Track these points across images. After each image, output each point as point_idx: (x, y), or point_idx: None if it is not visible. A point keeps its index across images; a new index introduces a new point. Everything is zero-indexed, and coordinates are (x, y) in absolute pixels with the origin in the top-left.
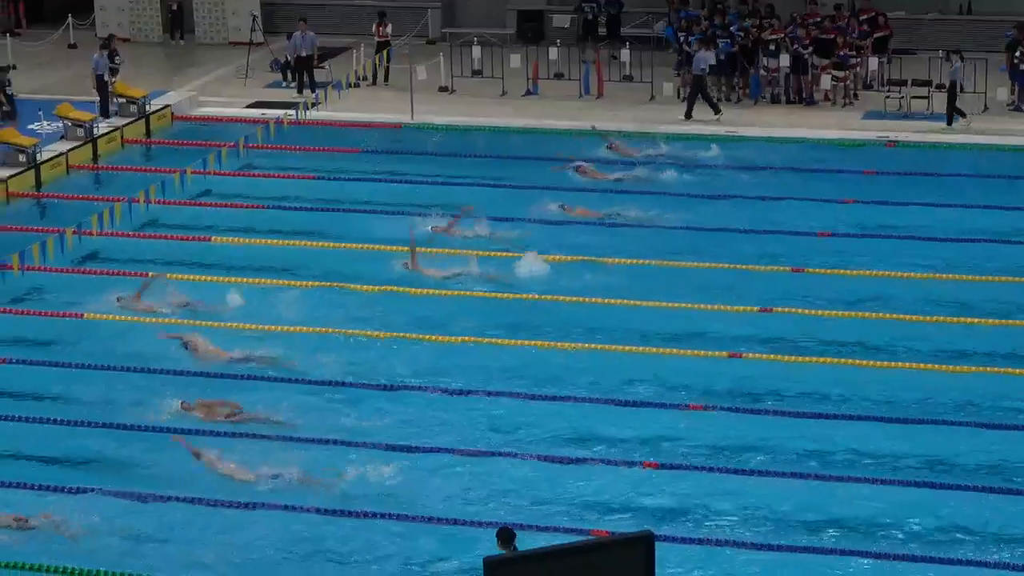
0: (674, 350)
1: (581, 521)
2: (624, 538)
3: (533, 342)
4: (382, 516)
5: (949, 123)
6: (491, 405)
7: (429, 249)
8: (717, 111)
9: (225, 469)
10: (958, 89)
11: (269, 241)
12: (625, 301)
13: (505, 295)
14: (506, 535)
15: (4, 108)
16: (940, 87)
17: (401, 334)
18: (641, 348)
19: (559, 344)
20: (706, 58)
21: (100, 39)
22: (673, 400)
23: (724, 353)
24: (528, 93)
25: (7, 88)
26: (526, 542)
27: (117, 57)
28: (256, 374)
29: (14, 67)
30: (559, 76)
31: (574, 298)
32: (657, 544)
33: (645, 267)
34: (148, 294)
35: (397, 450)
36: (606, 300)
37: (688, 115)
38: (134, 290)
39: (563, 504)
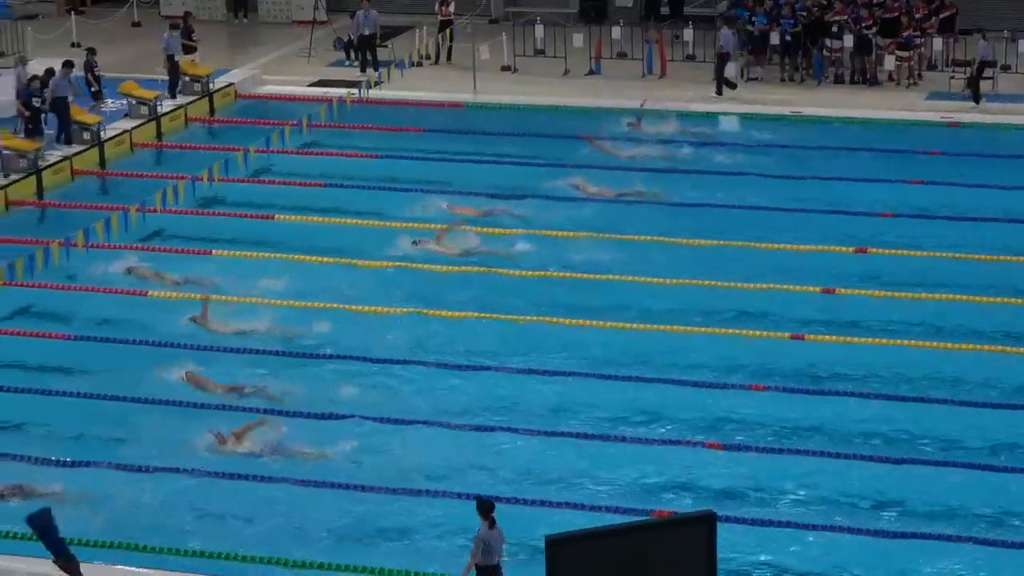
0: (737, 331)
1: (643, 501)
2: (686, 518)
3: (593, 322)
4: (456, 495)
5: (974, 101)
6: (552, 385)
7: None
8: (720, 92)
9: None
10: (985, 69)
11: (331, 220)
12: (687, 281)
13: (561, 274)
14: (485, 506)
15: (93, 88)
16: (987, 65)
17: (461, 313)
18: (704, 328)
19: (620, 324)
20: (728, 35)
21: (168, 18)
22: (736, 381)
23: (787, 334)
24: (590, 72)
25: (95, 69)
26: (589, 521)
27: (195, 35)
28: (313, 352)
29: (78, 45)
30: (622, 56)
31: (635, 277)
32: (719, 524)
33: (707, 247)
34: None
35: (469, 429)
36: (669, 280)
37: (719, 92)
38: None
39: (625, 484)
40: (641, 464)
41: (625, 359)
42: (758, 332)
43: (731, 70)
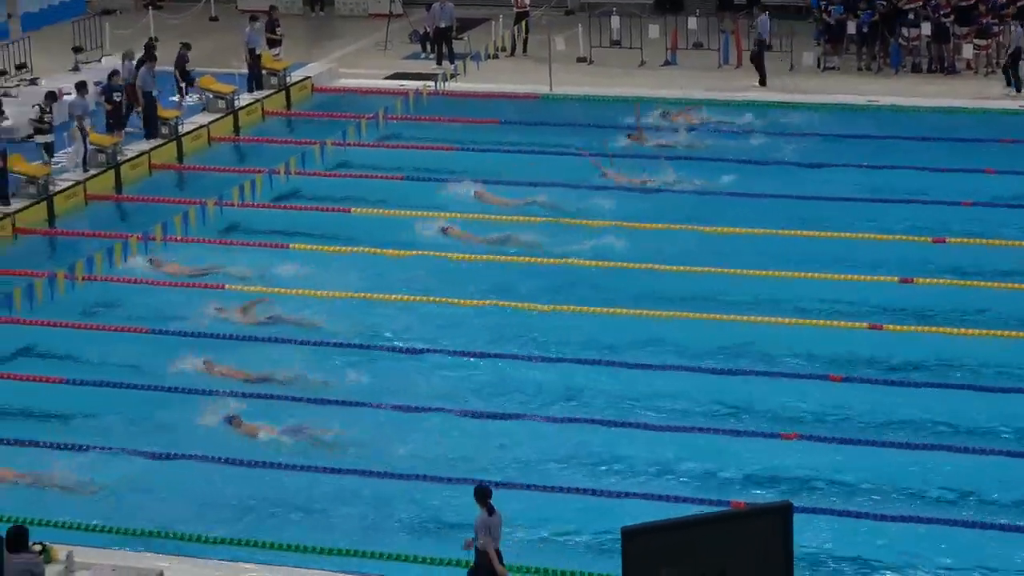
0: (814, 321)
1: (719, 492)
2: (762, 508)
3: (675, 313)
4: (527, 487)
5: (1016, 89)
6: (631, 376)
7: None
8: (764, 82)
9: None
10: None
11: (405, 212)
12: (767, 272)
13: (647, 265)
14: (482, 492)
15: (182, 83)
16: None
17: (527, 304)
18: (782, 319)
19: (700, 315)
20: (765, 22)
21: (245, 12)
22: (813, 371)
23: (864, 324)
24: (666, 63)
25: (186, 64)
26: (665, 513)
27: (279, 28)
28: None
29: (156, 40)
30: (698, 46)
31: (717, 269)
32: (795, 515)
33: (785, 237)
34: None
35: (546, 420)
36: (749, 271)
37: (762, 82)
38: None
39: (701, 475)
40: (719, 455)
41: (706, 350)
42: (836, 322)
43: (808, 59)
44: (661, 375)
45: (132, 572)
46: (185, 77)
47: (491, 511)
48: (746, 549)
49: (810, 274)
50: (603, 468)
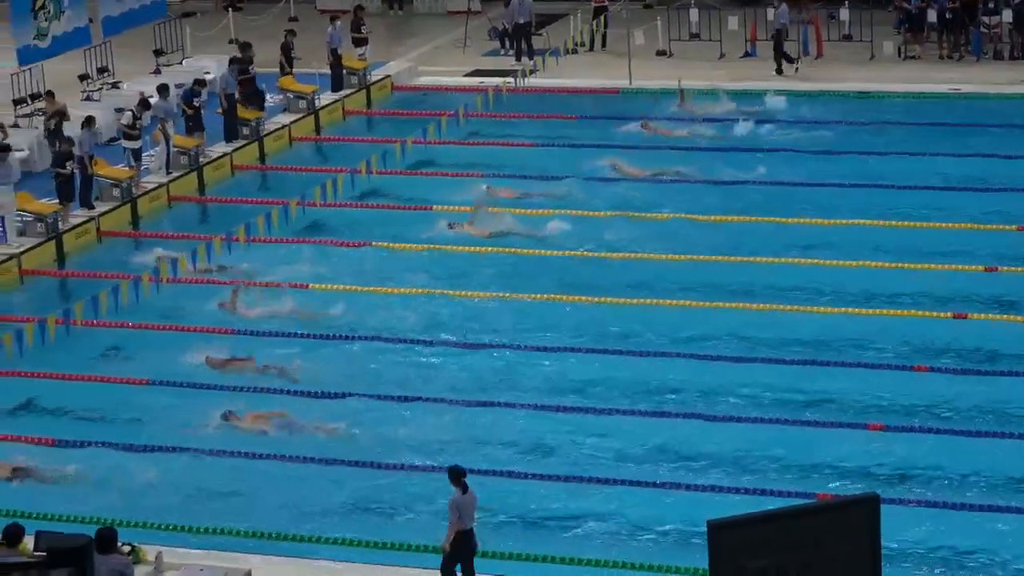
0: (899, 311)
1: (806, 484)
2: (849, 500)
3: (753, 305)
4: (613, 481)
5: None
6: (715, 368)
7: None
8: (780, 71)
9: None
10: None
11: (490, 209)
12: (847, 263)
13: (734, 258)
14: (457, 473)
15: (286, 71)
16: None
17: (623, 299)
18: (866, 310)
19: (783, 307)
20: (784, 12)
21: (325, 12)
22: (898, 361)
23: (949, 314)
24: (746, 55)
25: (291, 52)
26: (751, 506)
27: (364, 27)
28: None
29: (235, 42)
30: None
31: (803, 260)
32: (883, 506)
33: (871, 227)
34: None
35: (636, 414)
36: (836, 262)
37: (778, 70)
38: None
39: (788, 466)
40: (804, 447)
41: (791, 341)
42: (920, 312)
43: (889, 48)
44: (747, 367)
45: (221, 572)
46: (291, 63)
47: (464, 490)
48: (833, 541)
49: (893, 264)
50: (690, 461)
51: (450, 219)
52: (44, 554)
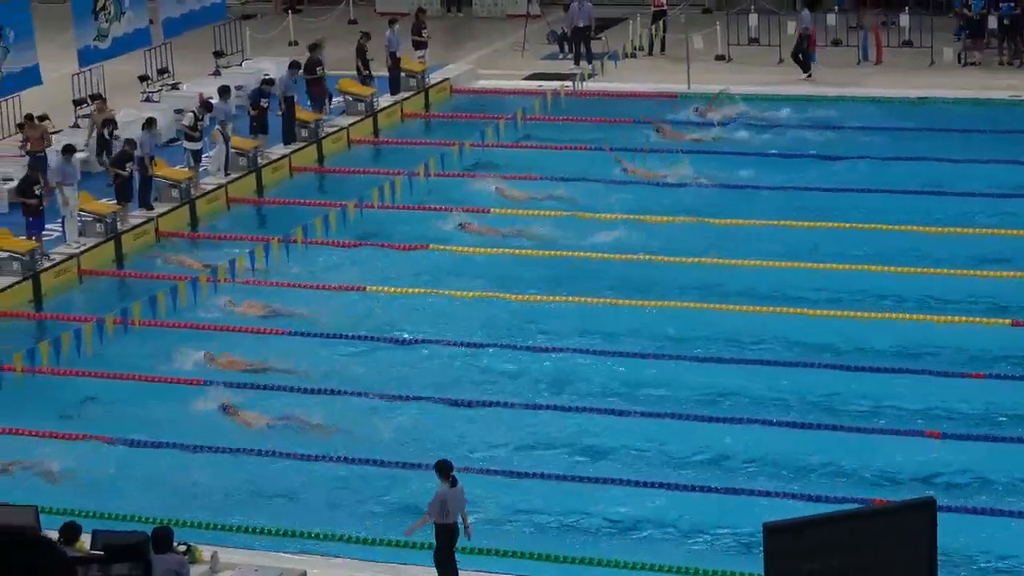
0: (955, 318)
1: (865, 490)
2: (906, 505)
3: (806, 311)
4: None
5: None
6: (769, 374)
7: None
8: (807, 70)
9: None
10: None
11: (547, 212)
12: (904, 269)
13: (794, 264)
14: (444, 467)
15: (364, 73)
16: None
17: (656, 302)
18: (922, 316)
19: (838, 312)
20: (807, 16)
21: (384, 15)
22: (953, 368)
23: (1007, 321)
24: None
25: (365, 53)
26: (808, 512)
27: (425, 31)
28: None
29: (295, 44)
30: (836, 43)
31: (854, 266)
32: (940, 513)
33: (928, 234)
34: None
35: (687, 419)
36: (885, 268)
37: (807, 74)
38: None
39: (846, 473)
40: (860, 453)
41: (843, 346)
42: (978, 319)
43: (949, 55)
44: (806, 372)
45: (276, 572)
46: (366, 64)
47: (453, 484)
48: (889, 545)
49: (950, 271)
50: (746, 466)
51: (464, 219)
52: (102, 553)
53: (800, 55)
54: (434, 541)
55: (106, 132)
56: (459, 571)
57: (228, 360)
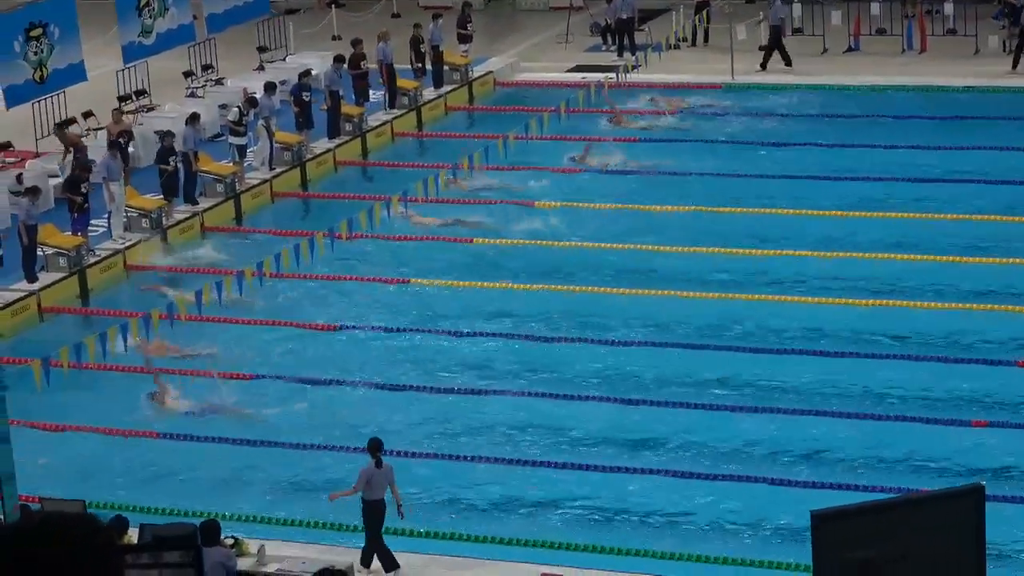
0: (1003, 307)
1: (913, 480)
2: (954, 492)
3: (850, 301)
4: (714, 477)
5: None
6: (819, 365)
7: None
8: (789, 63)
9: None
10: None
11: (592, 205)
12: (956, 258)
13: (850, 254)
14: (373, 445)
15: (417, 65)
16: None
17: (726, 294)
18: (973, 305)
19: (881, 302)
20: (780, 7)
21: (427, 9)
22: (1004, 356)
23: None
24: (849, 50)
25: (420, 45)
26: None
27: (470, 24)
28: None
29: (338, 38)
30: (881, 32)
31: (909, 256)
32: (988, 502)
33: (978, 222)
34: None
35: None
36: (939, 257)
37: (763, 66)
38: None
39: (893, 463)
40: (909, 442)
41: (894, 336)
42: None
43: (993, 43)
44: (854, 362)
45: (322, 565)
46: (420, 57)
47: (379, 463)
48: (937, 532)
49: (1001, 259)
50: (797, 457)
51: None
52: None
53: (774, 49)
54: None
55: (122, 141)
56: (390, 548)
57: (159, 346)
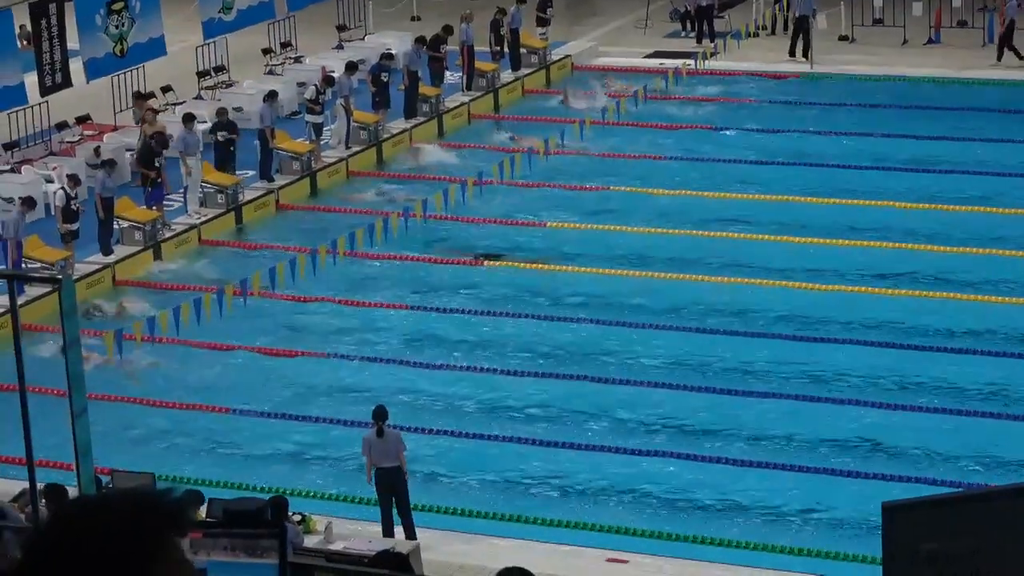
0: None
1: (981, 476)
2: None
3: (912, 292)
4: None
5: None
6: (881, 358)
7: None
8: (793, 54)
9: None
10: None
11: (664, 191)
12: (1006, 252)
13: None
14: (376, 413)
15: (495, 48)
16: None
17: (778, 282)
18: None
19: (940, 294)
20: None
21: None
22: None
23: None
24: (930, 42)
25: (500, 29)
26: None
27: (550, 9)
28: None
29: (418, 18)
30: (962, 24)
31: (947, 248)
32: None
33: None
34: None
35: (812, 400)
36: (985, 250)
37: (791, 52)
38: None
39: (966, 458)
40: (978, 437)
41: (959, 332)
42: None
43: None
44: (931, 356)
45: (390, 543)
46: (500, 41)
47: (380, 432)
48: (1009, 528)
49: None
50: (875, 451)
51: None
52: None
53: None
54: None
55: (153, 143)
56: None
57: None
